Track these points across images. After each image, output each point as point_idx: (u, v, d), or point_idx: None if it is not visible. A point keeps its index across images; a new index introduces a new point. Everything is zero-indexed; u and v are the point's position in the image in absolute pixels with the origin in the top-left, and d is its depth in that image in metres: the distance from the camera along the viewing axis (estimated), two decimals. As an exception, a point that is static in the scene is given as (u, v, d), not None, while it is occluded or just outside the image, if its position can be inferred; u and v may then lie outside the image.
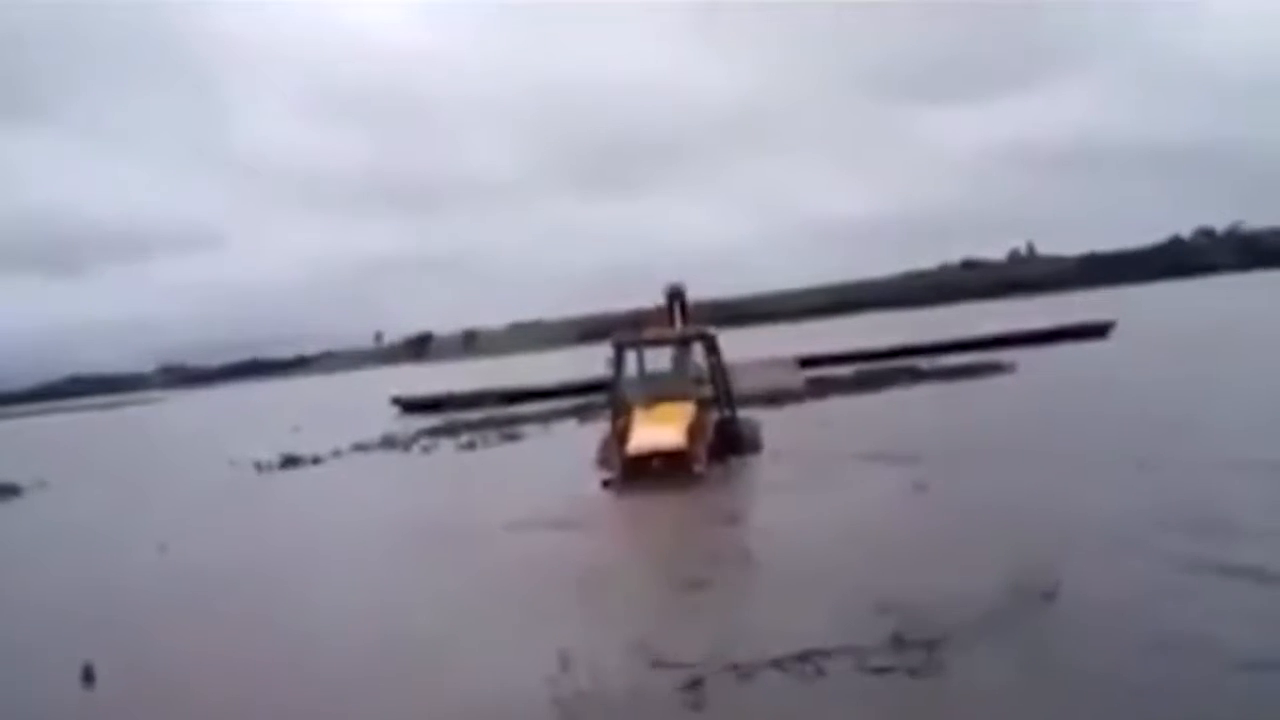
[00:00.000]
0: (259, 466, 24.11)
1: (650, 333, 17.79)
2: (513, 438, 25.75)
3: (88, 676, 8.30)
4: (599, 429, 18.31)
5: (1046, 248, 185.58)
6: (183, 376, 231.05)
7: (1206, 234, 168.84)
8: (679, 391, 16.60)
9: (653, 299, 18.89)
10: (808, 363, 35.71)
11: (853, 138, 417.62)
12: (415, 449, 25.48)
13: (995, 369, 29.84)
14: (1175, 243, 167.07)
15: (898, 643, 6.92)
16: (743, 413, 18.17)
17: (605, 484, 15.29)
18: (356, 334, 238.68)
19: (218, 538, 15.31)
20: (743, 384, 19.29)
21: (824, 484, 13.83)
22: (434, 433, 28.61)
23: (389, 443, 27.19)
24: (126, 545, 15.25)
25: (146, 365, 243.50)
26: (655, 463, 15.12)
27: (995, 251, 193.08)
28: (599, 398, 22.83)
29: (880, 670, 6.57)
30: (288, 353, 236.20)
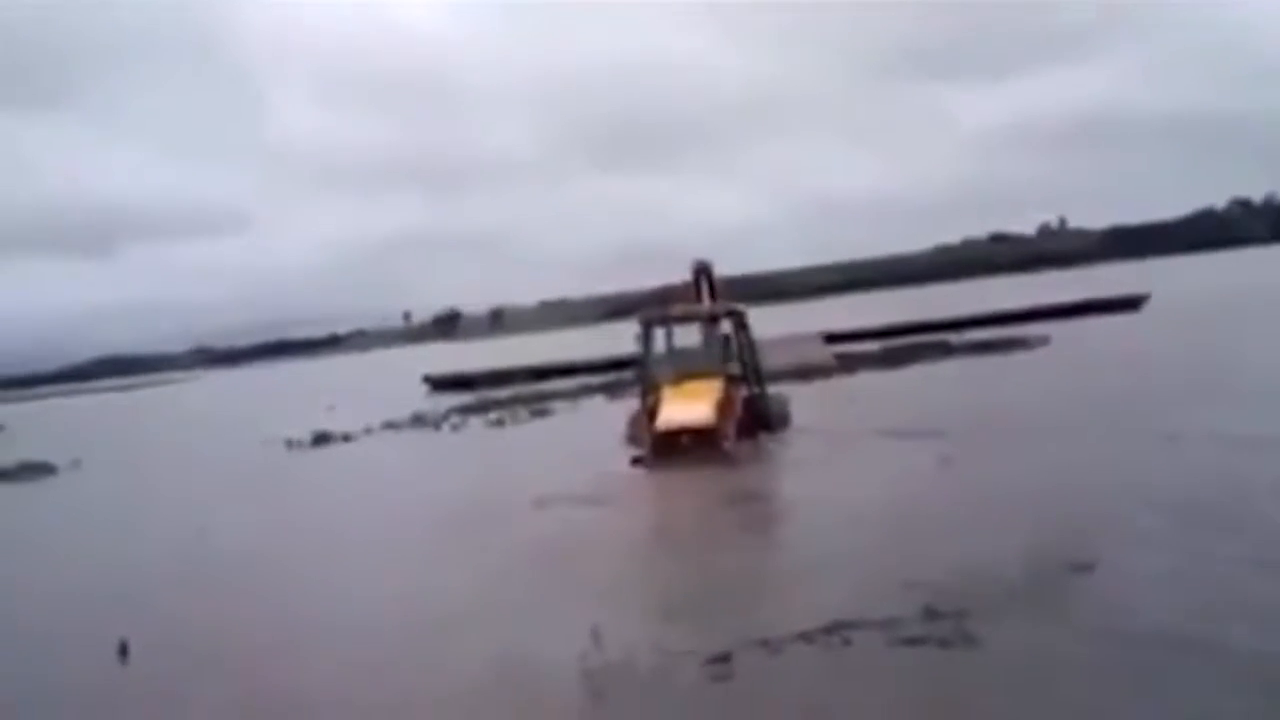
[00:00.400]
0: (290, 444, 24.36)
1: (678, 309, 17.76)
2: (542, 414, 25.87)
3: (123, 652, 8.43)
4: (628, 406, 18.33)
5: (1076, 221, 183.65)
6: (213, 357, 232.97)
7: (1242, 204, 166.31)
8: (708, 368, 16.58)
9: (678, 276, 18.88)
10: (834, 339, 35.62)
11: (873, 117, 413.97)
12: (445, 427, 25.65)
13: (1025, 343, 29.63)
14: (1208, 214, 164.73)
15: (928, 614, 6.94)
16: (771, 389, 18.15)
17: (635, 461, 15.33)
18: (385, 313, 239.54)
19: (252, 516, 15.50)
20: (771, 360, 19.24)
21: (852, 459, 13.83)
22: (464, 410, 28.78)
23: (419, 420, 27.39)
24: (161, 524, 15.48)
25: (176, 346, 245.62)
26: (684, 439, 15.14)
27: (1023, 226, 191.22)
28: (628, 374, 22.86)
29: (910, 642, 6.58)
30: (318, 332, 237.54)
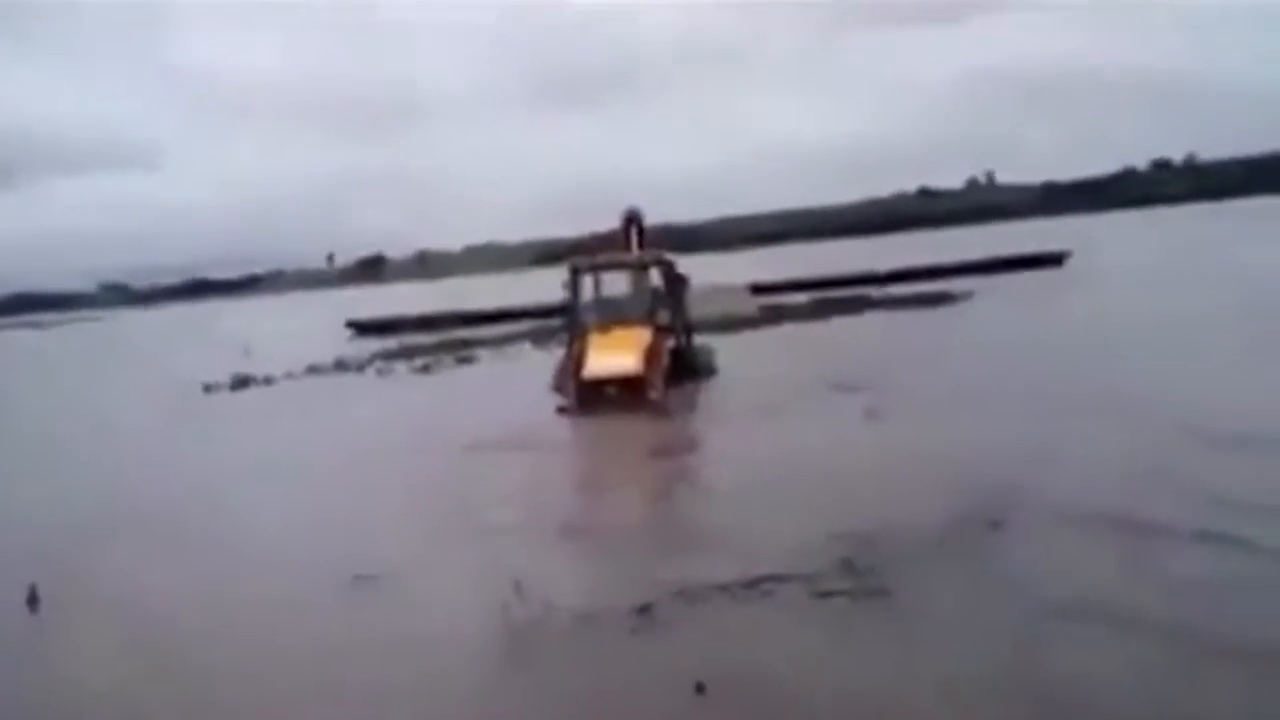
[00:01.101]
0: (208, 388, 23.80)
1: (606, 257, 17.64)
2: (468, 361, 25.66)
3: (32, 600, 8.19)
4: (555, 354, 18.23)
5: (1005, 177, 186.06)
6: (127, 296, 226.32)
7: (1161, 165, 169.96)
8: (635, 316, 16.52)
9: (609, 224, 18.74)
10: (761, 290, 35.74)
11: (808, 68, 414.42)
12: (370, 372, 25.32)
13: (950, 298, 30.04)
14: (1129, 173, 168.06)
15: (847, 568, 7.00)
16: (697, 339, 18.15)
17: (561, 409, 15.26)
18: (308, 255, 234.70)
19: (168, 462, 15.14)
20: (696, 310, 19.24)
21: (777, 411, 13.88)
22: (388, 356, 28.44)
23: (343, 365, 26.97)
24: (73, 472, 15.03)
25: (87, 284, 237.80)
26: (610, 388, 15.11)
27: (954, 180, 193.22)
28: (555, 322, 22.72)
29: (827, 594, 6.65)
30: (237, 273, 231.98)
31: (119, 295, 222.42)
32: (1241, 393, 11.98)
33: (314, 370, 26.07)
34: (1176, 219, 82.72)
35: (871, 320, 26.97)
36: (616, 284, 17.46)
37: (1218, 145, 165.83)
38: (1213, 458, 9.18)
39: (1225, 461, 9.05)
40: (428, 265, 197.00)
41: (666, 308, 17.08)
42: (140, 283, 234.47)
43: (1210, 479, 8.38)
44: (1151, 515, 7.69)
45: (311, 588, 8.03)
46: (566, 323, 17.14)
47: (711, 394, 16.25)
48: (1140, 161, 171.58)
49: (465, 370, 24.14)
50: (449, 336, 33.40)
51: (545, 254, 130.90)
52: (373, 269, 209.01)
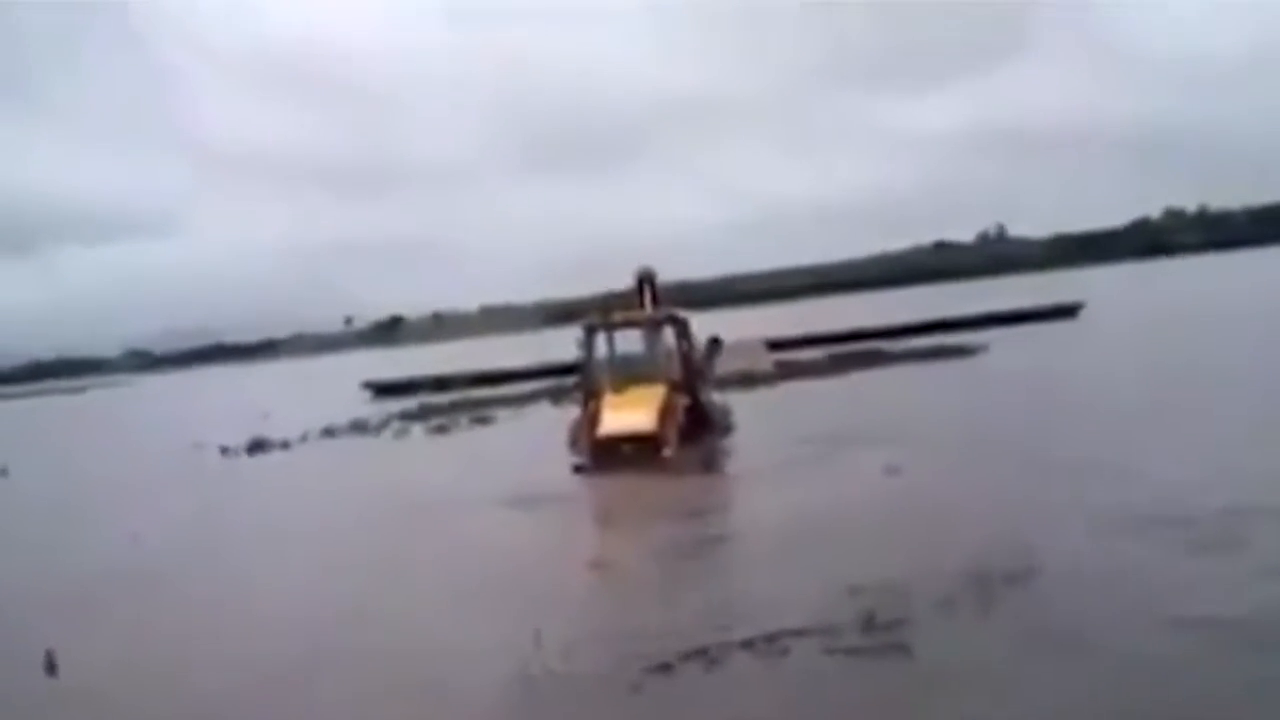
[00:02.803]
0: (225, 452, 23.89)
1: (620, 316, 17.73)
2: (484, 421, 25.67)
3: (50, 665, 8.18)
4: (571, 412, 18.26)
5: (1016, 230, 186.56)
6: (147, 361, 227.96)
7: (1175, 215, 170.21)
8: (650, 374, 16.56)
9: (622, 282, 18.88)
10: (778, 345, 35.73)
11: (814, 125, 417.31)
12: (386, 434, 25.34)
13: (965, 351, 30.00)
14: (1143, 224, 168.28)
15: (867, 623, 6.93)
16: (715, 396, 18.14)
17: (577, 468, 15.28)
18: (325, 318, 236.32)
19: (186, 525, 15.16)
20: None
21: (795, 467, 13.85)
22: (405, 417, 28.45)
23: (359, 427, 26.98)
24: (94, 533, 15.09)
25: (110, 350, 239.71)
26: (625, 446, 15.11)
27: (963, 234, 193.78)
28: (571, 381, 22.78)
29: (848, 651, 6.59)
30: (254, 338, 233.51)
31: (139, 361, 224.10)
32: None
33: (330, 433, 26.10)
34: (1188, 270, 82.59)
35: (889, 374, 26.92)
36: (631, 342, 17.55)
37: (1229, 195, 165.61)
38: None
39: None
40: (444, 326, 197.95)
41: (680, 365, 17.09)
42: (160, 348, 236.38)
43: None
44: (1167, 564, 7.63)
45: (325, 644, 8.01)
46: (581, 381, 17.18)
47: (728, 451, 16.21)
48: (1152, 212, 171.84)
49: (482, 430, 24.17)
50: (465, 396, 33.47)
51: (559, 313, 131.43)
52: (389, 331, 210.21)
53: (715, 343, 17.80)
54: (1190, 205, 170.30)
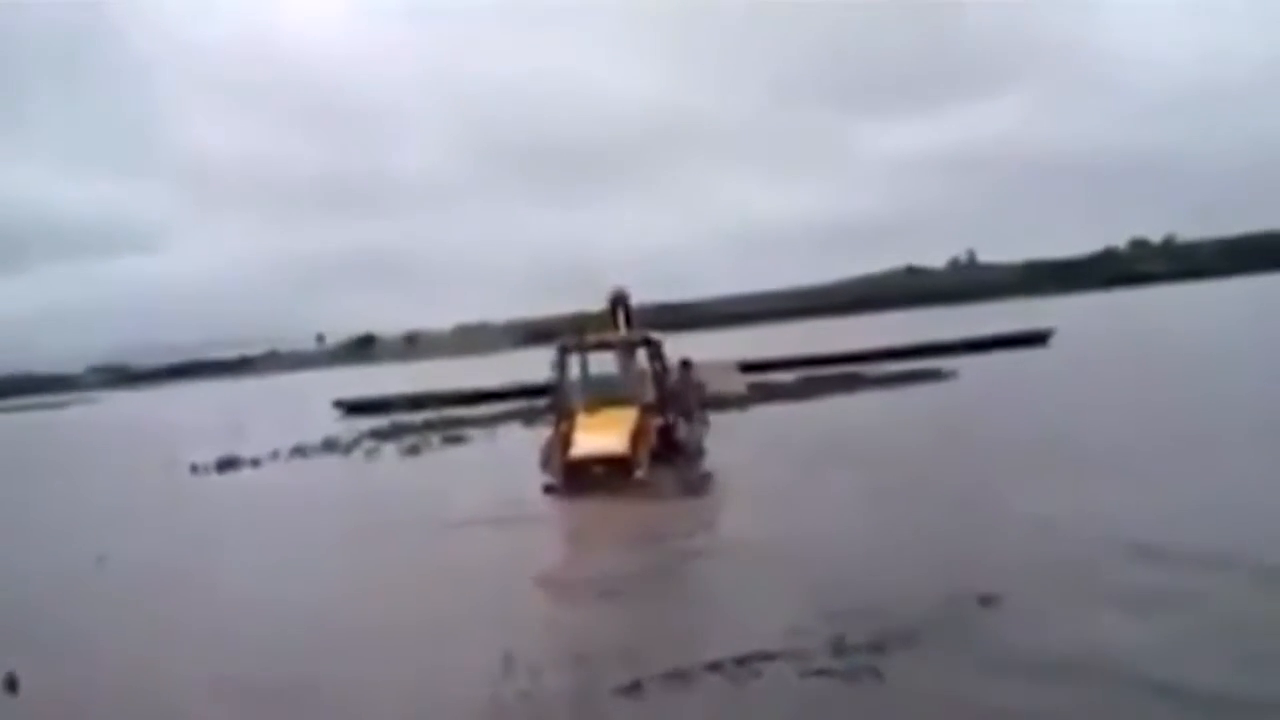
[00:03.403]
0: (195, 470, 23.69)
1: (594, 337, 17.76)
2: (456, 440, 25.58)
3: (11, 685, 8.07)
4: (543, 433, 18.24)
5: (986, 257, 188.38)
6: (121, 376, 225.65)
7: (1140, 245, 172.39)
8: (622, 396, 16.59)
9: (596, 303, 18.90)
10: (750, 368, 35.80)
11: (790, 148, 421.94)
12: (357, 453, 25.19)
13: (937, 375, 30.20)
14: (1109, 254, 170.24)
15: (838, 647, 6.95)
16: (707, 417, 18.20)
17: (548, 489, 15.26)
18: (298, 336, 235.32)
19: (153, 544, 15.01)
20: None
21: (767, 489, 13.91)
22: (377, 435, 28.31)
23: (331, 446, 26.77)
24: (58, 553, 14.85)
25: (81, 365, 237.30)
26: (597, 468, 15.11)
27: (934, 260, 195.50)
28: (543, 401, 22.75)
29: (818, 673, 6.60)
30: (227, 354, 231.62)
31: (113, 376, 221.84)
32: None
33: (301, 452, 25.90)
34: (1154, 299, 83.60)
35: (862, 399, 27.04)
36: (604, 364, 17.57)
37: (1197, 226, 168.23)
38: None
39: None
40: (417, 345, 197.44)
41: (653, 387, 17.14)
42: (135, 364, 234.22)
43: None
44: (1147, 584, 7.72)
45: (290, 668, 7.96)
46: (553, 402, 17.20)
47: (699, 473, 16.23)
48: (1118, 242, 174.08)
49: (454, 450, 24.07)
50: (438, 416, 33.35)
51: (533, 333, 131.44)
52: (363, 349, 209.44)
53: (686, 365, 17.85)
54: (1156, 236, 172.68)
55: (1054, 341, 40.35)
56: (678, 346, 18.24)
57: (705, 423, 18.09)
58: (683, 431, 17.16)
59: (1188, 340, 35.34)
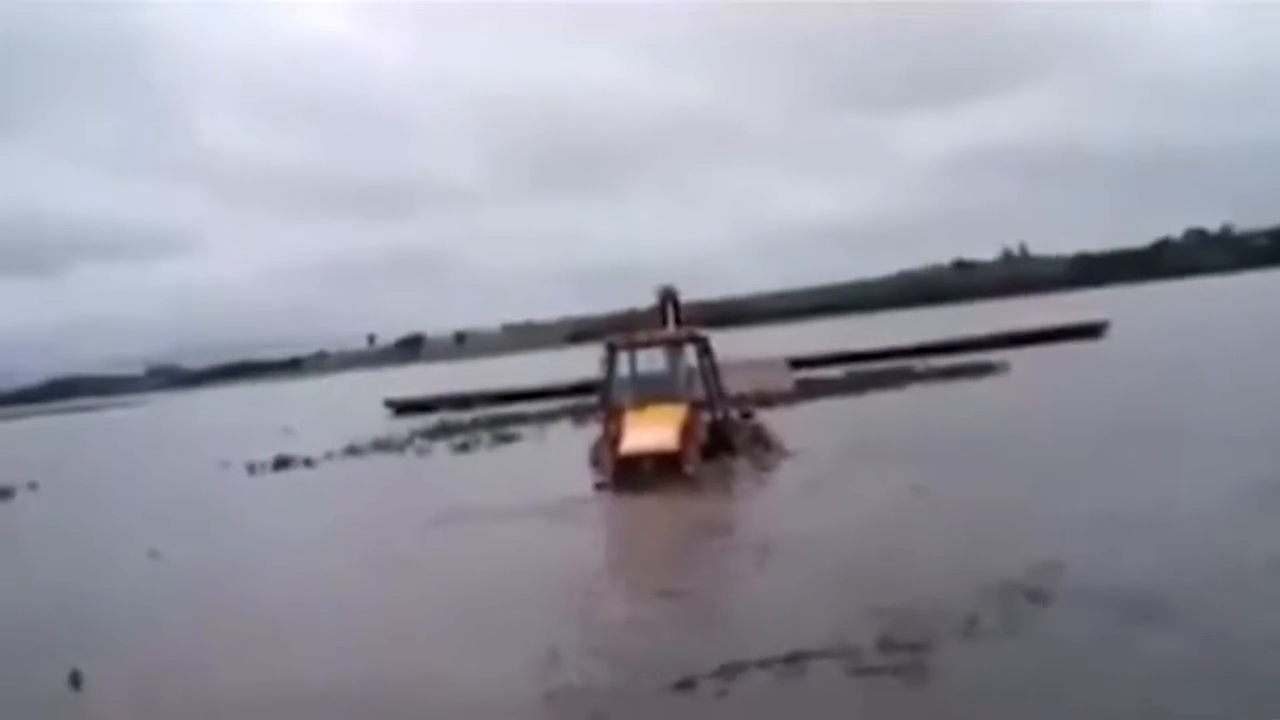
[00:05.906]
0: (251, 469, 24.11)
1: (642, 335, 17.80)
2: (507, 439, 25.75)
3: (75, 681, 8.28)
4: (593, 431, 18.33)
5: (1037, 249, 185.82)
6: (173, 379, 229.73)
7: (1197, 235, 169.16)
8: (671, 393, 16.62)
9: (643, 300, 18.94)
10: (798, 364, 35.69)
11: (831, 146, 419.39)
12: (409, 451, 25.48)
13: (987, 370, 29.89)
14: (1165, 244, 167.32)
15: (886, 644, 6.94)
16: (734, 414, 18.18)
17: (598, 485, 15.34)
18: (349, 336, 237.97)
19: (211, 540, 15.33)
20: (733, 385, 19.29)
21: (817, 486, 13.87)
22: (428, 434, 28.60)
23: (382, 445, 27.12)
24: (117, 549, 15.22)
25: (132, 368, 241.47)
26: (647, 464, 15.14)
27: (985, 253, 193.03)
28: (593, 399, 22.85)
29: (866, 671, 6.60)
30: (278, 355, 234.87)
31: (163, 379, 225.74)
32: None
33: (353, 451, 26.25)
34: (1213, 290, 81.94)
35: (912, 393, 26.84)
36: (653, 361, 17.59)
37: (1255, 215, 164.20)
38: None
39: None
40: (466, 344, 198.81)
41: (701, 383, 17.15)
42: (185, 366, 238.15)
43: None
44: (1195, 586, 7.63)
45: (348, 661, 8.10)
46: (602, 400, 17.26)
47: (748, 469, 16.21)
48: (1174, 232, 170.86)
49: (504, 448, 24.25)
50: (488, 414, 33.60)
51: (581, 331, 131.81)
52: (412, 349, 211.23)
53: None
54: (1213, 225, 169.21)
55: (1110, 334, 39.74)
56: (723, 344, 18.20)
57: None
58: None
59: (1249, 332, 34.48)
